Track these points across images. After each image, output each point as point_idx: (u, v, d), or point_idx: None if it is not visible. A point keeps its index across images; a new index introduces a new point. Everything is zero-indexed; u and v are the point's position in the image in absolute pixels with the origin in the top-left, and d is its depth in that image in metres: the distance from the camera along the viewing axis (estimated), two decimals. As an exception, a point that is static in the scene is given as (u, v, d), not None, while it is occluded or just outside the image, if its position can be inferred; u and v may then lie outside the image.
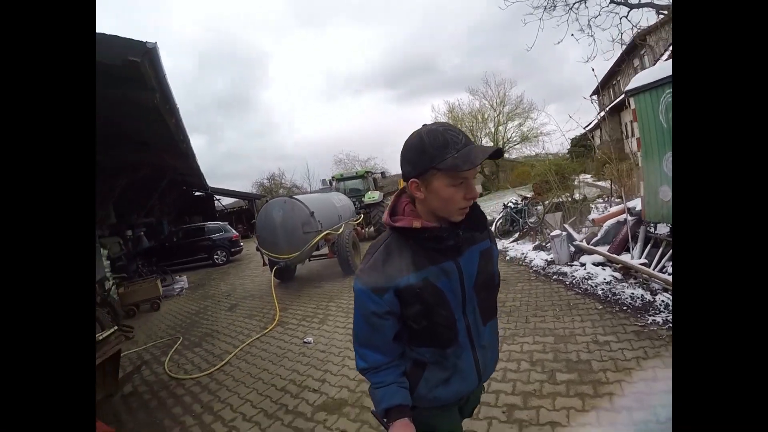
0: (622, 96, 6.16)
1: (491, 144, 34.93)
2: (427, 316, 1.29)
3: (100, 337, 3.70)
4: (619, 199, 8.31)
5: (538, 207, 10.34)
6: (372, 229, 14.02)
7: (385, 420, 1.29)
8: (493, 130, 35.41)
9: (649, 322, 4.08)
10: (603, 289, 5.36)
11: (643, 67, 14.31)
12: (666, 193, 5.56)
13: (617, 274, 5.74)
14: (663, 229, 5.92)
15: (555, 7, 7.66)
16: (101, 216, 10.63)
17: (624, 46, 8.66)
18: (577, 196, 10.79)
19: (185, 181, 17.60)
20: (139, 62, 3.89)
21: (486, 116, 35.50)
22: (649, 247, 6.00)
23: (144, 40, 3.83)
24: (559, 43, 8.83)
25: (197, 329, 6.81)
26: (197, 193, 24.87)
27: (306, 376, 4.18)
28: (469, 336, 1.36)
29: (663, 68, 5.83)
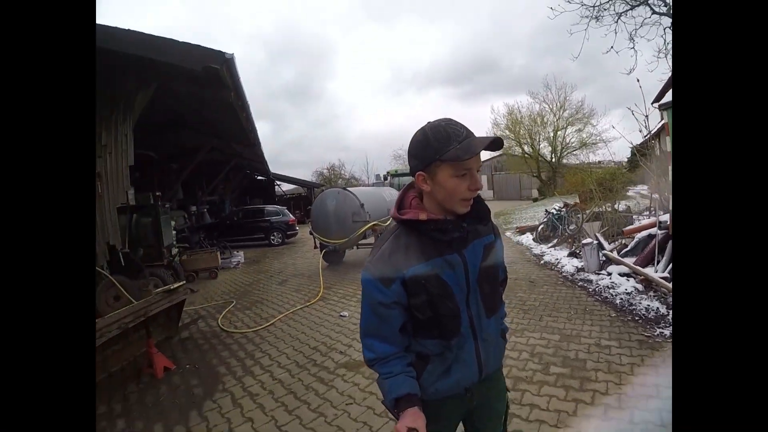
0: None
1: (550, 148, 34.54)
2: (432, 307, 1.32)
3: (171, 288, 4.54)
4: (662, 212, 8.36)
5: (579, 215, 10.46)
6: None
7: (395, 410, 1.29)
8: (552, 134, 34.47)
9: (656, 333, 4.29)
10: (621, 299, 5.59)
11: None
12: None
13: (639, 286, 5.93)
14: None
15: (599, 18, 7.78)
16: (172, 192, 11.89)
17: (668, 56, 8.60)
18: (621, 207, 10.80)
19: (250, 166, 18.75)
20: (219, 69, 4.74)
21: (545, 120, 34.50)
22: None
23: (223, 51, 4.69)
24: (607, 52, 8.84)
25: (249, 297, 7.74)
26: (259, 178, 26.30)
27: (336, 341, 4.90)
28: (471, 327, 1.38)
29: None
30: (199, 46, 4.74)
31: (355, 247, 10.15)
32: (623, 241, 7.82)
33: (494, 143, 1.26)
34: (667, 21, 7.42)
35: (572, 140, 34.15)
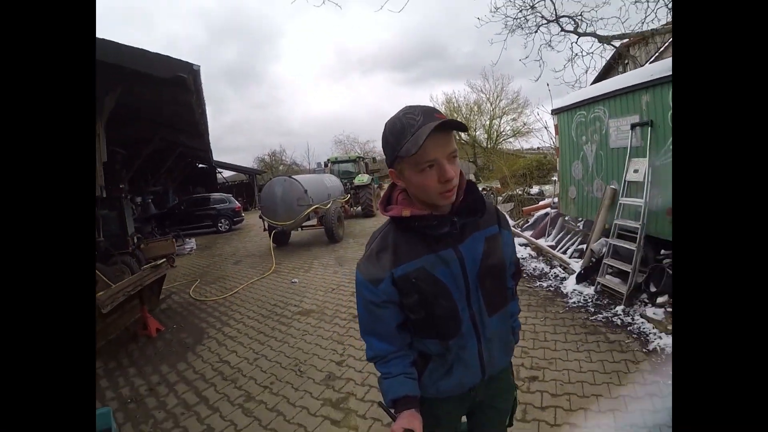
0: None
1: (486, 135, 36.11)
2: (425, 306, 1.27)
3: (157, 264, 5.58)
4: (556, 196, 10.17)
5: (497, 197, 12.17)
6: (360, 208, 15.80)
7: (393, 411, 1.28)
8: (488, 122, 36.17)
9: (536, 285, 5.91)
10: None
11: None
12: (572, 192, 7.29)
13: (533, 253, 7.62)
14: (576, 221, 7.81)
15: (514, 31, 9.19)
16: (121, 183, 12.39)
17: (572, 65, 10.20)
18: (535, 190, 12.64)
19: (193, 155, 19.06)
20: (186, 77, 5.78)
21: (482, 108, 36.08)
22: (562, 233, 7.90)
23: (191, 63, 5.72)
24: (525, 58, 10.16)
25: (210, 275, 8.76)
26: (201, 166, 26.35)
27: (290, 299, 6.22)
28: (474, 327, 1.32)
29: (578, 94, 7.43)
30: (170, 57, 5.67)
31: (299, 229, 11.33)
32: (527, 219, 9.52)
33: (443, 125, 1.11)
34: (574, 37, 8.95)
35: (507, 128, 36.03)
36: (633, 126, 5.35)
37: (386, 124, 1.21)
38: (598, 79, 16.18)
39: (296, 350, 4.33)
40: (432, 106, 1.22)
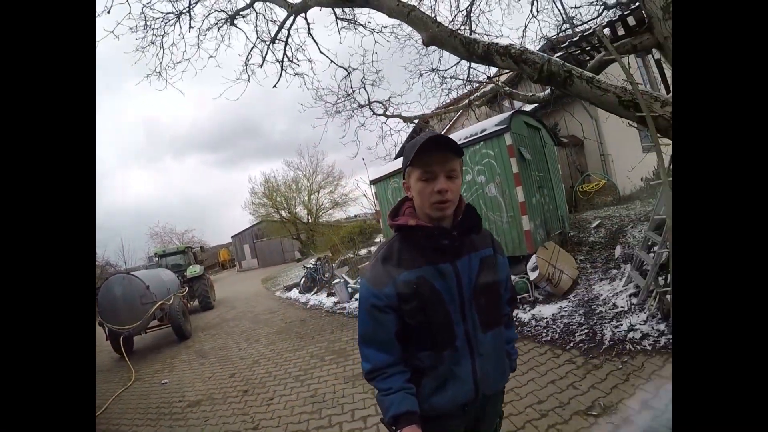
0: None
1: (306, 211, 36.68)
2: (423, 312, 1.32)
3: None
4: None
5: (330, 264, 13.28)
6: (197, 302, 14.54)
7: (394, 428, 1.29)
8: (306, 198, 36.70)
9: None
10: (365, 312, 8.30)
11: None
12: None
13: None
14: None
15: (333, 116, 10.58)
16: None
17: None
18: (363, 252, 14.17)
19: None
20: None
21: (300, 185, 36.98)
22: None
23: None
24: (342, 138, 11.72)
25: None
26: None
27: (170, 398, 5.87)
28: (468, 342, 1.36)
29: (391, 165, 9.32)
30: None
31: (144, 332, 10.06)
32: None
33: (429, 142, 1.27)
34: (383, 119, 10.77)
35: (325, 201, 37.01)
36: None
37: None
38: (401, 151, 19.35)
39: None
40: (437, 134, 1.36)
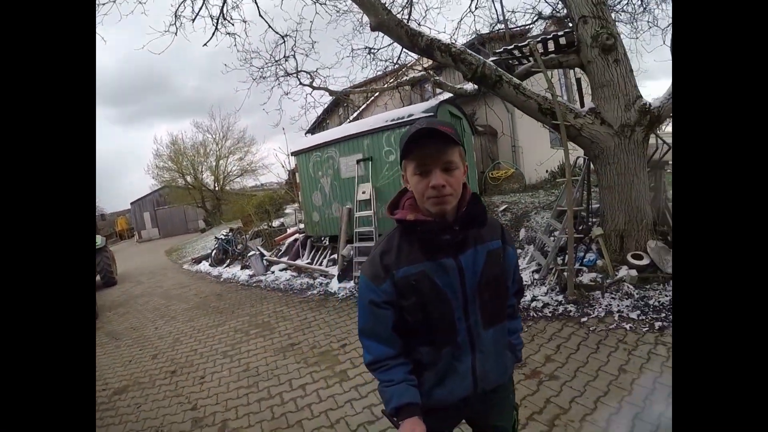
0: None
1: (213, 177, 34.55)
2: (422, 309, 1.29)
3: None
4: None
5: (243, 236, 12.91)
6: (98, 277, 12.92)
7: (396, 419, 1.28)
8: (214, 163, 34.52)
9: (308, 294, 7.21)
10: (284, 285, 8.27)
11: (347, 116, 18.97)
12: (316, 216, 9.00)
13: (294, 273, 8.84)
14: (324, 240, 9.47)
15: (262, 79, 10.15)
16: None
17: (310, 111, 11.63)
18: (277, 223, 13.94)
19: None
20: None
21: (208, 150, 34.67)
22: (313, 251, 9.38)
23: None
24: (264, 104, 11.35)
25: None
26: None
27: None
28: (470, 338, 1.33)
29: (313, 139, 9.25)
30: None
31: None
32: (279, 248, 10.74)
33: (419, 133, 1.19)
34: (309, 89, 10.51)
35: (234, 168, 35.15)
36: (358, 161, 7.63)
37: None
38: (318, 122, 18.91)
39: (143, 423, 3.88)
40: (435, 119, 1.32)
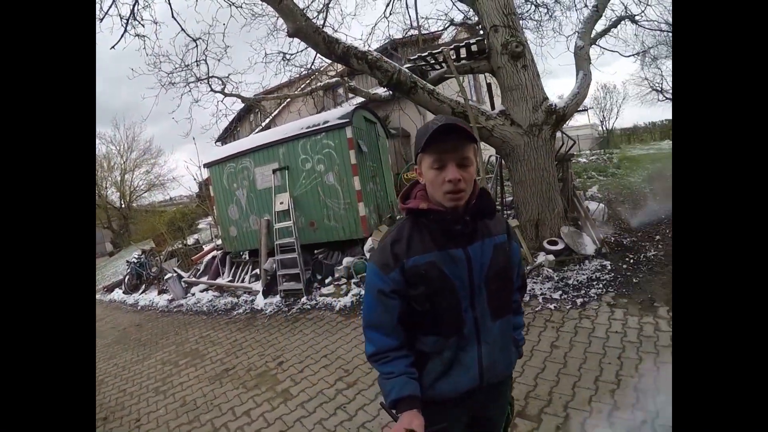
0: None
1: (119, 194, 31.76)
2: (430, 299, 1.30)
3: None
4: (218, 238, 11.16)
5: (157, 257, 12.05)
6: None
7: (394, 411, 1.28)
8: (119, 178, 31.57)
9: (234, 314, 6.92)
10: (207, 306, 7.85)
11: (258, 123, 18.37)
12: (233, 230, 8.68)
13: (216, 293, 8.43)
14: (244, 255, 9.11)
15: (171, 86, 9.52)
16: None
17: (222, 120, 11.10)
18: (192, 240, 13.21)
19: None
20: None
21: (113, 163, 31.47)
22: (234, 268, 8.99)
23: None
24: (173, 113, 10.54)
25: None
26: None
27: None
28: (476, 330, 1.34)
29: (226, 149, 8.89)
30: None
31: None
32: (197, 267, 10.19)
33: (441, 129, 1.21)
34: (221, 96, 10.02)
35: (141, 183, 32.46)
36: (274, 171, 7.44)
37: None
38: (227, 129, 18.15)
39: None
40: (453, 117, 1.34)
